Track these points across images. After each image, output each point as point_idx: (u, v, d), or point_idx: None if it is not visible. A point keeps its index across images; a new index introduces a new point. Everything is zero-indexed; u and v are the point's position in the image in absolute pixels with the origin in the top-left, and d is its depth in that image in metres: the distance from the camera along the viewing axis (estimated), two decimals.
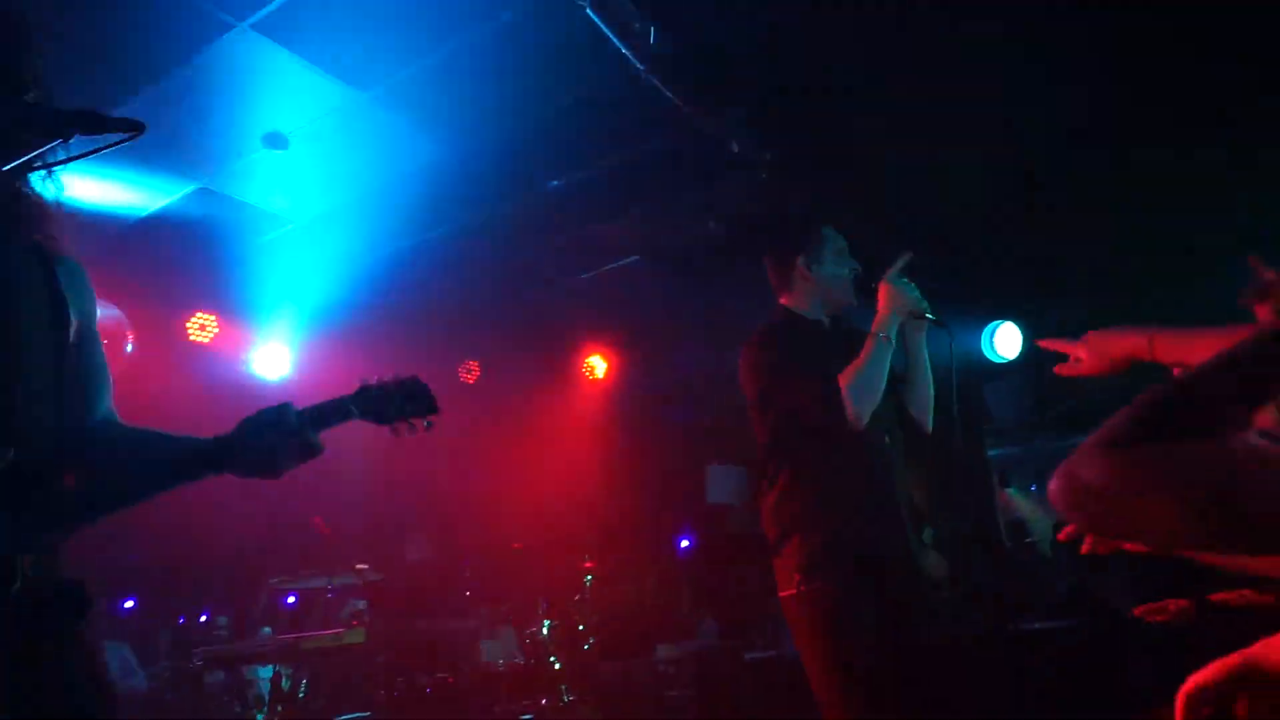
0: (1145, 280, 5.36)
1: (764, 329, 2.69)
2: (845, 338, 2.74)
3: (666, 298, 7.04)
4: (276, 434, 1.62)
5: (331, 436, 1.76)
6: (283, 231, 5.36)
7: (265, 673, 4.28)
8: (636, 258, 6.31)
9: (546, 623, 4.82)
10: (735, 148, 3.97)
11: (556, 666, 4.72)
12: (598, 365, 7.45)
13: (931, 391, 2.77)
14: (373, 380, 1.79)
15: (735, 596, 9.04)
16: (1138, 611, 3.52)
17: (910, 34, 3.72)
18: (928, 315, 2.65)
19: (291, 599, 7.31)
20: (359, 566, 4.75)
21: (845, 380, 2.46)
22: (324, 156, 4.67)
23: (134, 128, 1.41)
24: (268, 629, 5.27)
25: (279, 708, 4.00)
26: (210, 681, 4.48)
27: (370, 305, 6.15)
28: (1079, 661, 5.73)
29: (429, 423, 1.85)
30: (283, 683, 4.06)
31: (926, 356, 2.76)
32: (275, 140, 4.40)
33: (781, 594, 2.51)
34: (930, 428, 2.79)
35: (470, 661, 4.56)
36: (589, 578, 5.25)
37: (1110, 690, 5.13)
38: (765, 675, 6.73)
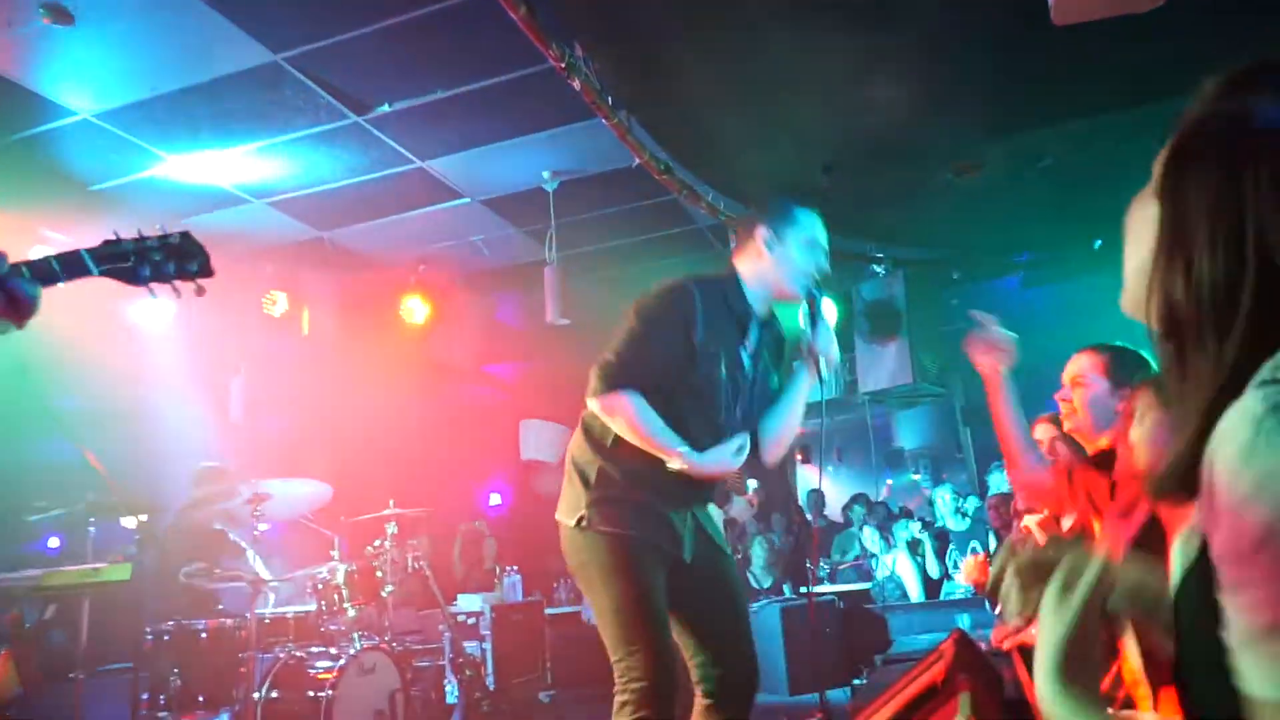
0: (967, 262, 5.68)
1: (683, 280, 2.53)
2: (767, 337, 2.64)
3: (495, 244, 6.87)
4: None
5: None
6: (67, 124, 4.77)
7: None
8: (468, 199, 6.10)
9: (342, 567, 4.58)
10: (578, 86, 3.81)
11: (351, 613, 4.49)
12: (417, 309, 7.13)
13: (793, 432, 2.68)
14: (128, 235, 1.57)
15: (542, 553, 9.04)
16: (995, 639, 3.72)
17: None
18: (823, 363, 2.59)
19: (55, 540, 6.63)
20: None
21: (627, 405, 2.38)
22: (118, 40, 4.15)
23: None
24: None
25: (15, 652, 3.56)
26: None
27: None
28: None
29: (199, 287, 1.65)
30: (24, 623, 3.62)
31: (804, 402, 2.66)
32: (58, 13, 3.86)
33: (561, 520, 2.48)
34: (772, 463, 2.72)
35: (255, 606, 4.25)
36: (392, 525, 5.02)
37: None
38: (562, 629, 6.77)
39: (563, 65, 3.53)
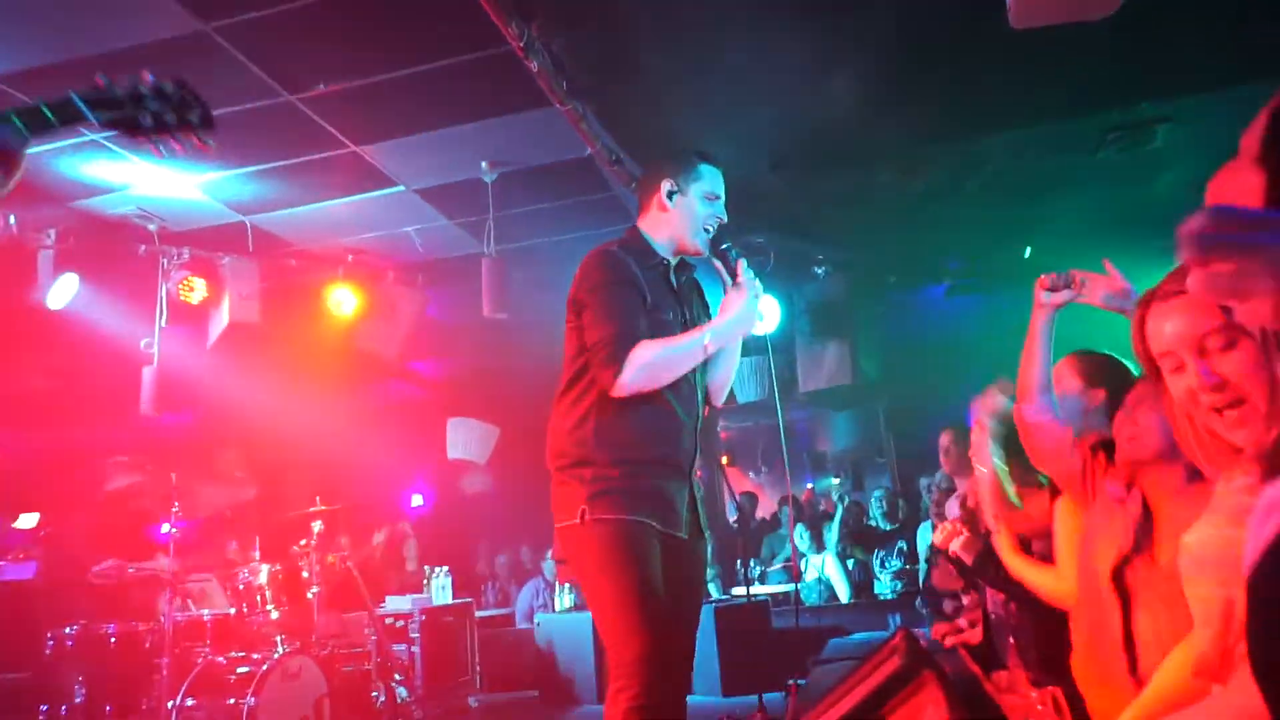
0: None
1: (607, 247, 2.53)
2: (684, 284, 2.65)
3: (429, 235, 6.67)
4: None
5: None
6: None
7: None
8: (402, 188, 5.89)
9: (265, 568, 4.34)
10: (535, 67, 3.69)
11: (274, 615, 4.26)
12: (345, 301, 6.87)
13: (734, 369, 2.72)
14: (118, 78, 1.43)
15: (468, 555, 8.84)
16: (936, 634, 3.73)
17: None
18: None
19: None
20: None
21: (644, 352, 2.35)
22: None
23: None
24: None
25: None
26: None
27: None
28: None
29: (202, 140, 1.51)
30: None
31: (739, 350, 2.71)
32: None
33: (561, 524, 2.41)
34: (722, 401, 2.75)
35: (169, 609, 3.99)
36: (317, 524, 4.80)
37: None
38: (491, 632, 6.62)
39: (521, 45, 3.41)
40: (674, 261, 2.62)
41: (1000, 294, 7.38)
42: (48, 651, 3.91)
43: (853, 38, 4.05)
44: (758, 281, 2.57)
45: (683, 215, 2.56)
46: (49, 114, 1.38)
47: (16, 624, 3.89)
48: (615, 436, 2.39)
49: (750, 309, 2.50)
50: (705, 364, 2.59)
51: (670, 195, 2.56)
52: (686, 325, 2.56)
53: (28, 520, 4.91)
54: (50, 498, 4.41)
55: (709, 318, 2.65)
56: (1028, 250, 6.39)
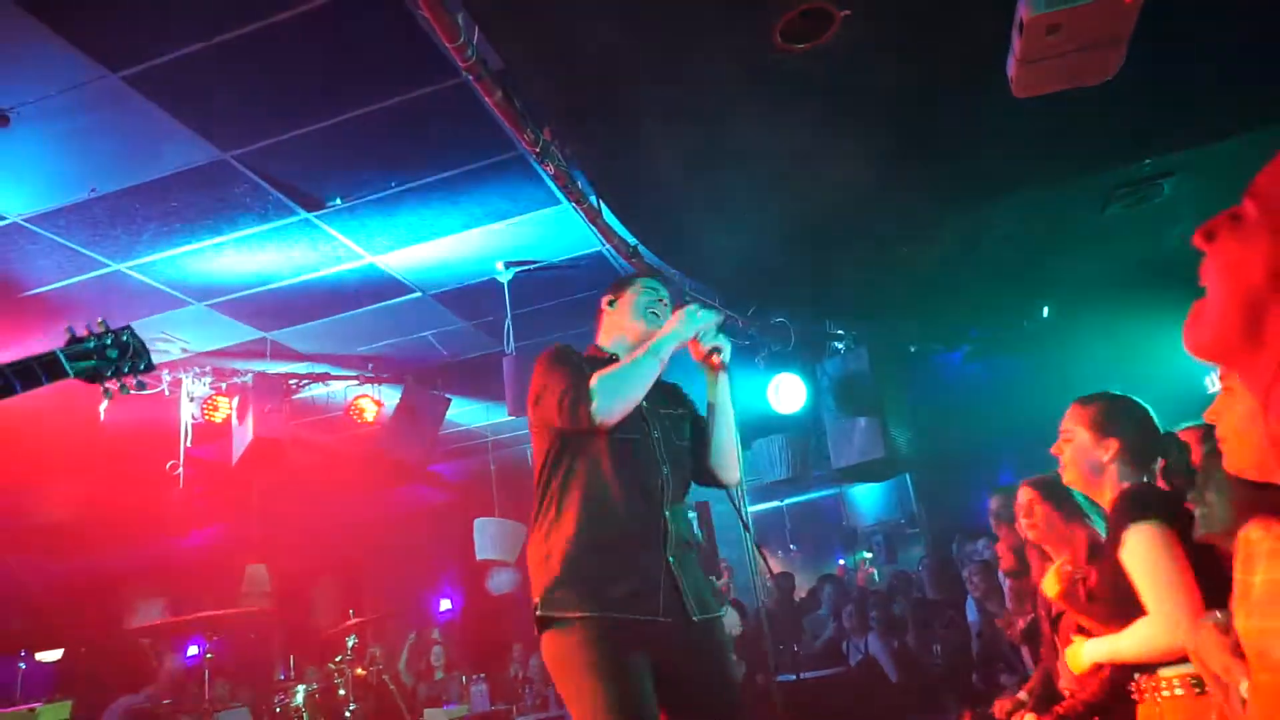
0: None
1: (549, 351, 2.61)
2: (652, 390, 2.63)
3: (448, 338, 6.73)
4: None
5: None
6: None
7: None
8: (419, 294, 5.97)
9: (301, 689, 4.23)
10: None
11: None
12: (367, 408, 6.89)
13: (735, 443, 2.70)
14: (81, 330, 1.57)
15: (502, 658, 8.63)
16: (999, 712, 3.59)
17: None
18: (716, 357, 2.61)
19: None
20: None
21: (603, 379, 2.37)
22: (54, 141, 3.98)
23: None
24: None
25: None
26: None
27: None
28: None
29: (140, 382, 1.65)
30: None
31: (729, 408, 2.69)
32: None
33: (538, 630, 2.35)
34: (734, 479, 2.73)
35: None
36: (352, 638, 4.70)
37: None
38: None
39: (536, 150, 3.49)
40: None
41: (1021, 354, 7.38)
42: None
43: (857, 112, 4.13)
44: (698, 308, 2.63)
45: (623, 309, 2.73)
46: (39, 371, 1.52)
47: None
48: (577, 512, 2.37)
49: (690, 316, 2.56)
50: (683, 463, 2.59)
51: (610, 303, 2.78)
52: (647, 409, 2.55)
53: (51, 655, 4.82)
54: (77, 630, 4.33)
55: (675, 404, 2.72)
56: (1045, 309, 6.39)
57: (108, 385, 1.71)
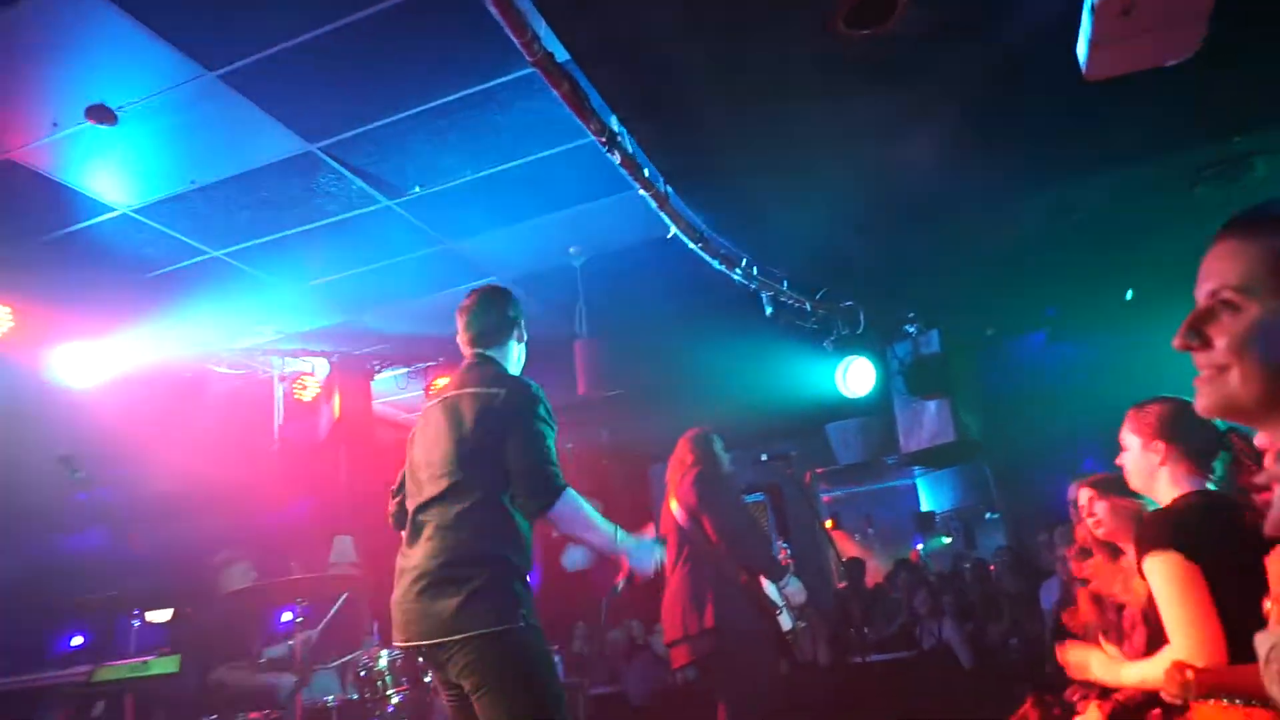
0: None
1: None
2: None
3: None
4: None
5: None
6: (105, 220, 4.85)
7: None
8: (494, 278, 6.13)
9: (385, 654, 4.46)
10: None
11: (395, 701, 4.36)
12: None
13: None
14: None
15: (571, 632, 8.83)
16: (1071, 697, 3.57)
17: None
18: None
19: (79, 639, 6.51)
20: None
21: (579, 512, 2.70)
22: (159, 137, 4.25)
23: None
24: None
25: None
26: None
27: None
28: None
29: None
30: None
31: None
32: (101, 113, 3.96)
33: (481, 631, 2.51)
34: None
35: (297, 698, 4.12)
36: None
37: None
38: (607, 710, 6.59)
39: (604, 139, 3.58)
40: None
41: (1102, 338, 7.16)
42: None
43: (927, 94, 4.09)
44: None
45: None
46: None
47: (161, 716, 4.08)
48: (524, 540, 2.72)
49: (648, 557, 2.83)
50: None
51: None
52: None
53: (161, 615, 5.16)
54: (184, 593, 4.65)
55: None
56: (1129, 293, 6.20)
57: None
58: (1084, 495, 3.17)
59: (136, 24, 3.50)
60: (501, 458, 2.65)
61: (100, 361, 5.44)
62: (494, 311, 3.02)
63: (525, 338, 3.11)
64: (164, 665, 3.59)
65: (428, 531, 2.65)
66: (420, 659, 2.73)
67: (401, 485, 2.93)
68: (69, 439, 4.64)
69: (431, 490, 2.69)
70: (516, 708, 2.45)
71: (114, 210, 4.79)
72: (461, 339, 3.04)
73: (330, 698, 4.50)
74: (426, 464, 2.76)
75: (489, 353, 2.97)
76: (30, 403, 5.25)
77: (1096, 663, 2.42)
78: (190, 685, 4.10)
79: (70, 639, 6.54)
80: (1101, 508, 3.10)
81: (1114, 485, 2.96)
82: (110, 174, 4.51)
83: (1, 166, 4.26)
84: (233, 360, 6.46)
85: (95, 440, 4.71)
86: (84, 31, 3.51)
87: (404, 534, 2.80)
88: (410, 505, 2.78)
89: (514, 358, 3.04)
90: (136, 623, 4.03)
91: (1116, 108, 4.11)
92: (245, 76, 3.88)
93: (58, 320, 5.27)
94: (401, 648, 2.65)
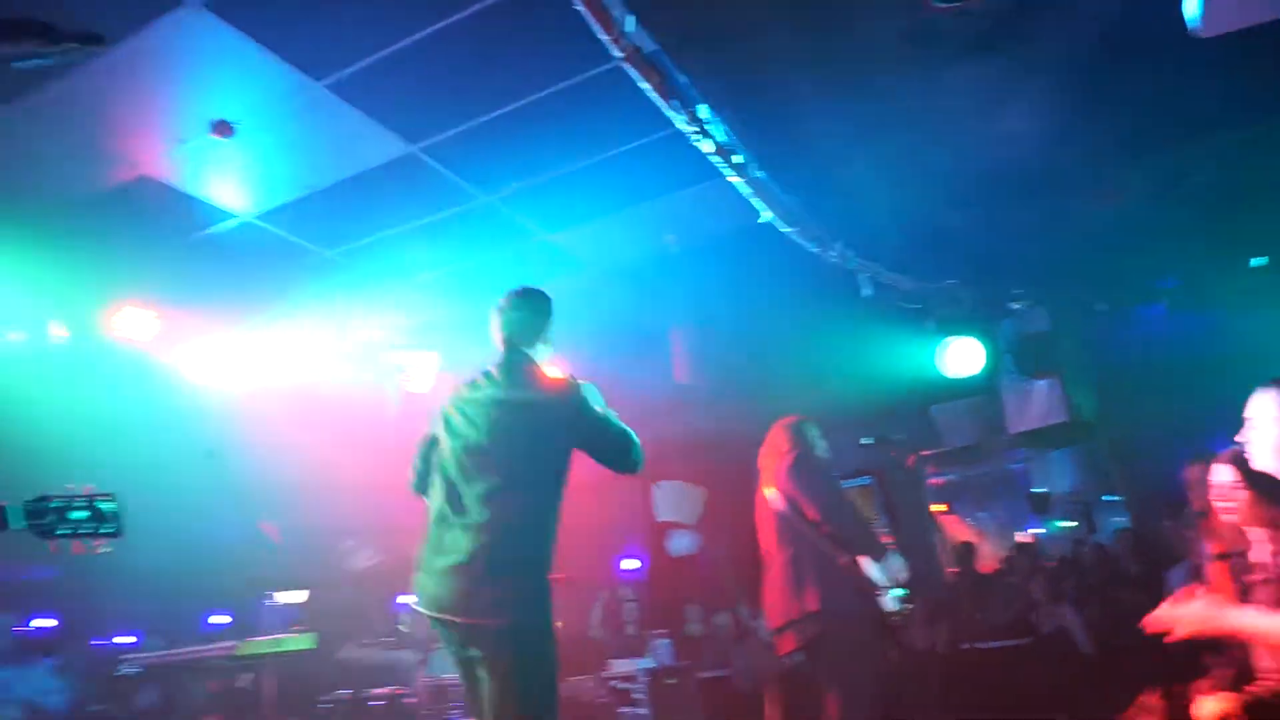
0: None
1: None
2: None
3: (619, 311, 6.97)
4: None
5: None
6: (228, 225, 5.17)
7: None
8: (589, 269, 6.23)
9: None
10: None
11: None
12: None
13: None
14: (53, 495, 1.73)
15: (681, 616, 8.90)
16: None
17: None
18: None
19: (219, 618, 6.98)
20: None
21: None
22: (274, 147, 4.50)
23: (94, 40, 1.30)
24: None
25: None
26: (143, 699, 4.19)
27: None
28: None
29: (102, 546, 1.78)
30: (227, 691, 3.82)
31: None
32: (222, 127, 4.23)
33: (493, 622, 2.67)
34: None
35: (421, 676, 4.34)
36: None
37: None
38: (716, 693, 6.63)
39: (695, 129, 3.62)
40: None
41: (1222, 309, 6.76)
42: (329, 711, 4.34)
43: (1023, 64, 3.97)
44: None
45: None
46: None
47: (296, 690, 4.35)
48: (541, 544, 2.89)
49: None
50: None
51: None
52: None
53: (295, 596, 5.48)
54: (313, 574, 4.94)
55: None
56: (1254, 260, 5.84)
57: (59, 543, 1.76)
58: (1226, 474, 2.98)
59: (250, 42, 3.71)
60: (555, 458, 2.87)
61: (232, 361, 5.81)
62: (531, 311, 3.17)
63: (552, 340, 3.21)
64: (301, 642, 3.83)
65: (476, 518, 2.78)
66: (441, 627, 2.86)
67: (429, 448, 3.09)
68: (214, 435, 4.96)
69: (483, 481, 2.83)
70: (533, 688, 2.72)
71: (235, 217, 5.09)
72: (496, 336, 3.16)
73: (449, 675, 4.71)
74: (480, 451, 2.89)
75: (524, 349, 3.10)
76: (176, 402, 5.63)
77: (1202, 606, 2.32)
78: (323, 660, 4.35)
79: (215, 617, 7.03)
80: (1244, 497, 2.91)
81: (1259, 476, 2.79)
82: (231, 183, 4.80)
83: (137, 181, 4.59)
84: (350, 355, 6.77)
85: (234, 436, 5.02)
86: (204, 51, 3.76)
87: (436, 504, 2.93)
88: (456, 484, 2.90)
89: (543, 357, 3.15)
90: (267, 603, 4.30)
91: (1229, 65, 3.89)
92: (350, 85, 4.08)
93: (195, 324, 5.63)
94: (432, 616, 2.79)
